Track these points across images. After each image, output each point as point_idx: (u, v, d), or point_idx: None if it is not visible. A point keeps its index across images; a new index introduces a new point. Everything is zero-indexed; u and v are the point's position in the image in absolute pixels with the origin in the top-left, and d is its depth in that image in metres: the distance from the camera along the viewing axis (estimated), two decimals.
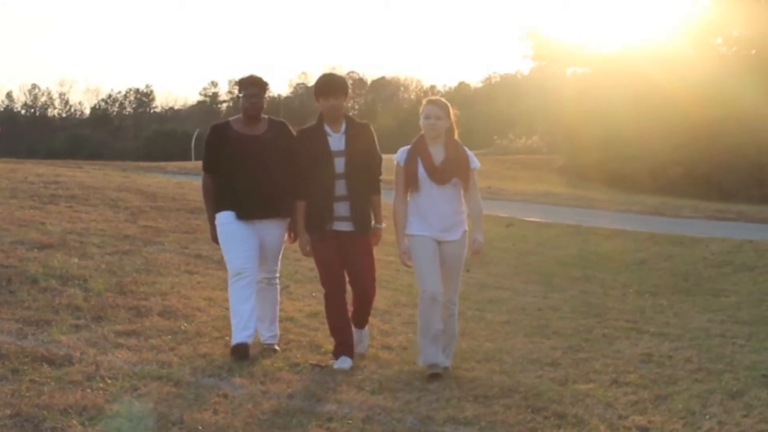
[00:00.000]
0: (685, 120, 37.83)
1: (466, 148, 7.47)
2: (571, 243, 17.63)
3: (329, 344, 7.63)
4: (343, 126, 7.49)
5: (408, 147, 7.45)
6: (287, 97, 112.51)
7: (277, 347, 7.72)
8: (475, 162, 7.46)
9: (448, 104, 7.45)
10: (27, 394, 5.87)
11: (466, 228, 7.44)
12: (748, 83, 33.07)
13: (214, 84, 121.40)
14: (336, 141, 7.41)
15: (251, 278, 7.51)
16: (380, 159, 7.67)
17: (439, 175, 7.27)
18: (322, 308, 7.75)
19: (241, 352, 7.25)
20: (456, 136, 7.48)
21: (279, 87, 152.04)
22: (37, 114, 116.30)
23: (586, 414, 6.47)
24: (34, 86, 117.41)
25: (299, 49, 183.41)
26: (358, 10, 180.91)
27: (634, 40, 44.61)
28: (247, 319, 7.39)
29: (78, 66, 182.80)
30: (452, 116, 7.43)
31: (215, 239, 7.73)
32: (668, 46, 39.50)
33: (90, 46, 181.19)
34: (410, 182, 7.32)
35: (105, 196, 15.42)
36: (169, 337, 7.68)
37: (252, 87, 7.67)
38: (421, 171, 7.29)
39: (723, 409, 6.79)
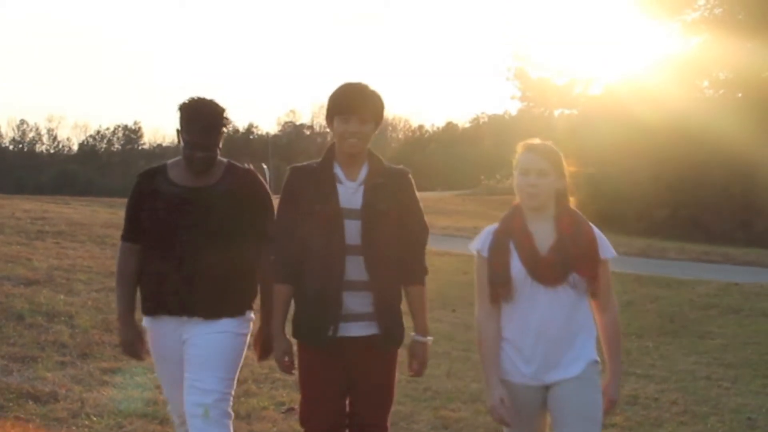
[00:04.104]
0: (672, 162, 38.01)
1: (592, 226, 4.61)
2: None
3: None
4: (364, 171, 4.68)
5: (494, 227, 4.63)
6: (275, 136, 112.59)
7: None
8: (609, 249, 4.60)
9: (559, 152, 4.63)
10: (12, 430, 5.85)
11: (595, 358, 4.49)
12: (734, 126, 33.25)
13: None
14: (349, 193, 4.60)
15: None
16: (425, 229, 4.85)
17: (546, 271, 4.42)
18: None
19: None
20: (572, 204, 4.66)
21: (267, 125, 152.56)
22: (25, 149, 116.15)
23: None
24: (22, 122, 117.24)
25: (288, 86, 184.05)
26: (347, 47, 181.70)
27: (621, 82, 44.86)
28: None
29: (66, 102, 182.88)
30: (566, 172, 4.63)
31: (128, 349, 5.10)
32: (655, 88, 39.72)
33: (79, 82, 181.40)
34: (500, 285, 4.46)
35: (92, 232, 15.42)
36: (155, 374, 7.68)
37: (199, 132, 4.74)
38: (517, 266, 4.43)
39: None
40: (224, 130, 4.86)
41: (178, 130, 4.82)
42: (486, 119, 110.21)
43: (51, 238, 14.27)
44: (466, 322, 12.43)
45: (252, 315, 4.96)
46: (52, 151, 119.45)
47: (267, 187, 5.02)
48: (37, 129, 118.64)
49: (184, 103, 4.80)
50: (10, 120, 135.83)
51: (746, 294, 16.03)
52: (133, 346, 5.03)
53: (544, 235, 4.48)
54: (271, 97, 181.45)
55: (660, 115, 37.33)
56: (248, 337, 4.91)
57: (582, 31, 50.25)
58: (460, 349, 10.44)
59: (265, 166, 48.79)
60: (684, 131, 36.39)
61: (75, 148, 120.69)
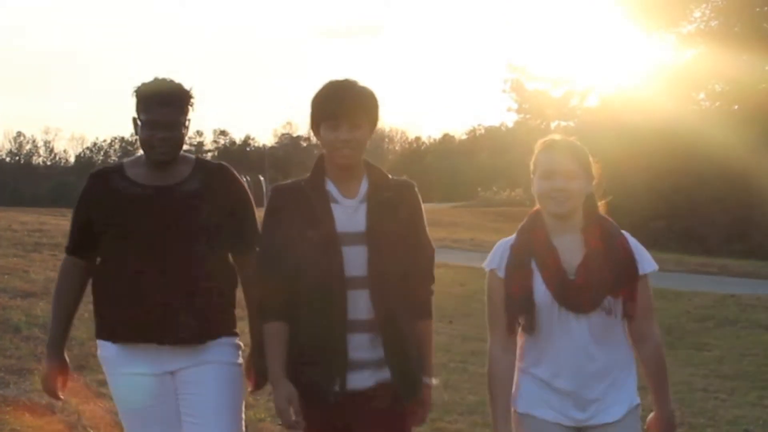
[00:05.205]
0: (668, 174, 38.04)
1: (627, 234, 3.94)
2: None
3: None
4: (364, 185, 3.89)
5: (510, 240, 3.94)
6: (272, 147, 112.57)
7: None
8: (649, 262, 3.89)
9: (585, 149, 3.96)
10: None
11: (637, 401, 3.88)
12: (730, 138, 33.27)
13: (199, 133, 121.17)
14: (348, 213, 3.82)
15: None
16: (431, 250, 4.10)
17: (576, 296, 3.73)
18: None
19: None
20: (602, 210, 4.01)
21: (263, 137, 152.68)
22: (22, 161, 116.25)
23: None
24: (19, 134, 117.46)
25: (284, 98, 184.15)
26: (345, 59, 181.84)
27: (617, 94, 44.88)
28: None
29: (63, 114, 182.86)
30: (595, 174, 3.96)
31: (50, 388, 4.34)
32: (651, 100, 39.76)
33: (75, 94, 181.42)
34: (520, 312, 3.80)
35: None
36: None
37: (159, 107, 3.99)
38: (541, 290, 3.76)
39: None
40: (188, 110, 4.11)
41: (134, 118, 4.08)
42: (483, 131, 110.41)
43: (48, 251, 14.25)
44: (463, 333, 12.43)
45: (239, 342, 4.28)
46: (48, 163, 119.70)
47: (245, 183, 4.30)
48: (33, 141, 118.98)
49: (143, 86, 4.08)
50: (7, 132, 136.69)
51: (743, 306, 16.03)
52: (53, 381, 4.29)
53: (570, 250, 3.79)
54: (268, 109, 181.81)
55: (656, 127, 37.41)
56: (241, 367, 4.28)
57: (578, 43, 50.31)
58: (457, 360, 10.44)
59: (261, 178, 48.87)
60: (680, 143, 36.45)
61: (72, 160, 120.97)
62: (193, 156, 4.24)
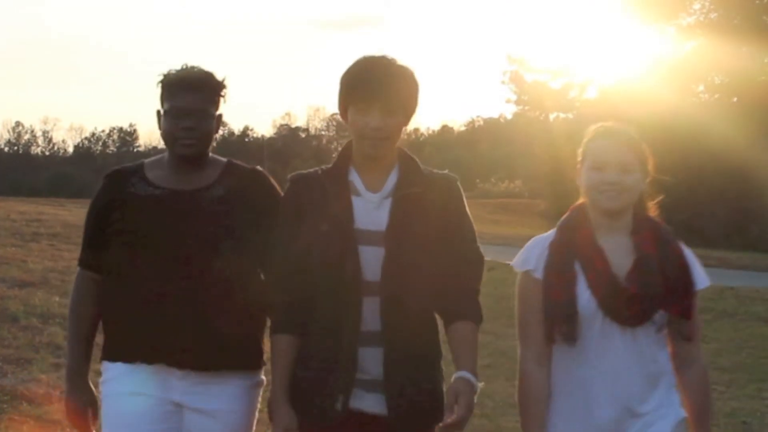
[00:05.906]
0: (667, 166, 37.89)
1: (682, 244, 3.53)
2: None
3: None
4: (393, 178, 3.38)
5: (547, 237, 3.49)
6: (270, 138, 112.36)
7: None
8: (703, 277, 3.45)
9: (643, 142, 3.59)
10: None
11: (684, 415, 3.36)
12: (729, 130, 33.25)
13: None
14: (369, 209, 3.32)
15: None
16: (479, 258, 3.54)
17: (626, 306, 3.26)
18: None
19: None
20: (653, 212, 3.63)
21: (262, 127, 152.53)
22: (20, 151, 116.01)
23: None
24: (17, 124, 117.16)
25: (283, 89, 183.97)
26: (343, 50, 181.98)
27: (616, 86, 44.84)
28: None
29: (62, 104, 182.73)
30: (650, 168, 3.60)
31: (80, 424, 3.75)
32: (650, 92, 39.71)
33: (74, 84, 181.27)
34: (561, 320, 3.27)
35: None
36: None
37: (184, 94, 3.51)
38: (585, 296, 3.29)
39: None
40: (219, 100, 3.65)
41: (157, 111, 3.61)
42: (481, 123, 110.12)
43: (46, 240, 14.24)
44: None
45: (263, 377, 3.72)
46: (47, 153, 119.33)
47: (276, 190, 3.68)
48: (32, 131, 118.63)
49: (170, 73, 3.63)
50: (6, 122, 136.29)
51: (741, 298, 16.03)
52: (83, 415, 3.73)
53: (619, 252, 3.33)
54: (267, 100, 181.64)
55: (655, 119, 37.36)
56: (257, 411, 3.72)
57: (577, 35, 50.31)
58: None
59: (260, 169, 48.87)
60: (679, 135, 36.43)
61: (70, 150, 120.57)
62: (224, 159, 3.71)
